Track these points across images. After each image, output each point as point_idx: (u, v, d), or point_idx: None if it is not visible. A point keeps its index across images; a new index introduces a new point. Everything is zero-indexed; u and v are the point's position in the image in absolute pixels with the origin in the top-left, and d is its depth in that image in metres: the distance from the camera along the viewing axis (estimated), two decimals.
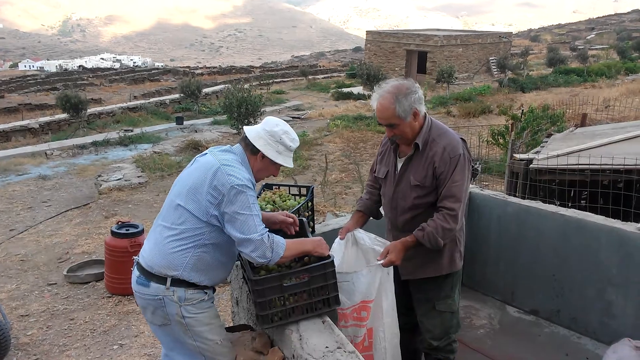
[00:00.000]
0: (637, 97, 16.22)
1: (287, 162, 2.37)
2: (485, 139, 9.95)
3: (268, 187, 3.29)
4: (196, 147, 13.69)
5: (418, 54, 31.57)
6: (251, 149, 2.36)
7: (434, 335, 2.69)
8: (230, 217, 2.20)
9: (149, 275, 2.31)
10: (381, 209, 2.87)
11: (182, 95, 22.92)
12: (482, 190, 4.08)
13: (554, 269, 3.52)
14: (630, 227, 3.20)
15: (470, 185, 4.18)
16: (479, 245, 3.93)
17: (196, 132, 17.10)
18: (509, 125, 8.49)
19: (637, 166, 4.11)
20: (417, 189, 2.52)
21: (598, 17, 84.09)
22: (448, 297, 2.68)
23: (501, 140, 9.94)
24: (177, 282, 2.28)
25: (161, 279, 2.28)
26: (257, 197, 2.97)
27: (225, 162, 2.26)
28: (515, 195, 4.81)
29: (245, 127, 2.49)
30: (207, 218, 2.24)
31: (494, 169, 9.02)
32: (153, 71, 43.27)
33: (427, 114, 2.58)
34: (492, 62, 33.88)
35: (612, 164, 4.23)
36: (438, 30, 42.10)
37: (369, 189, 2.90)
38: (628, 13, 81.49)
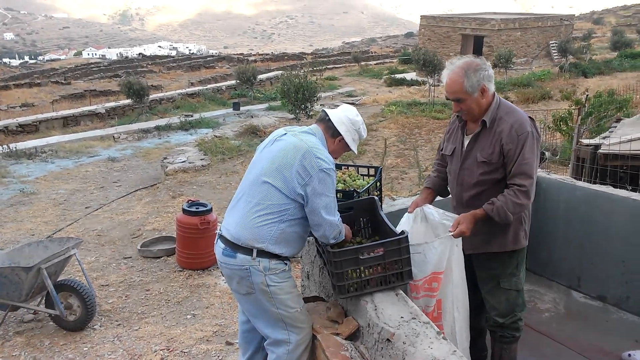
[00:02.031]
0: None
1: (355, 149, 2.68)
2: (547, 125, 9.69)
3: (337, 167, 3.43)
4: (254, 132, 14.04)
5: (474, 39, 30.71)
6: (332, 132, 2.55)
7: (499, 312, 2.73)
8: (316, 197, 2.40)
9: (235, 247, 2.50)
10: (448, 187, 2.93)
11: (237, 81, 23.46)
12: (549, 174, 4.06)
13: (624, 255, 3.48)
14: None
15: (538, 169, 4.18)
16: (545, 230, 3.92)
17: (252, 117, 17.51)
18: (574, 110, 8.24)
19: None
20: (484, 165, 2.58)
21: None
22: (513, 275, 2.72)
23: (564, 127, 9.65)
24: (262, 254, 2.47)
25: (248, 250, 2.47)
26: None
27: (313, 145, 2.47)
28: (581, 181, 4.74)
29: (328, 110, 2.65)
30: (294, 196, 2.44)
31: (559, 156, 8.80)
32: (208, 58, 44.33)
33: (495, 93, 2.63)
34: (552, 47, 32.53)
35: None
36: (495, 13, 40.69)
37: (436, 167, 2.98)
38: None
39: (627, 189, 3.81)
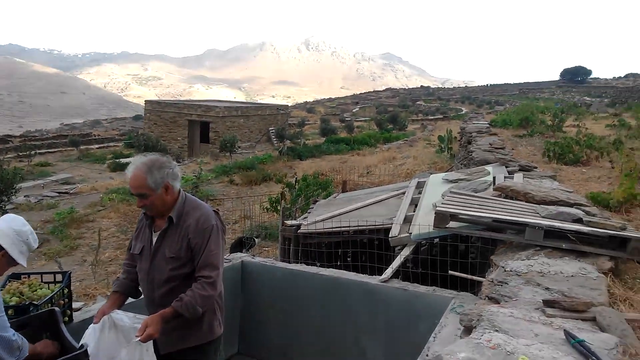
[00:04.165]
0: (391, 164, 19.06)
1: (24, 262, 2.39)
2: (265, 206, 10.50)
3: (15, 277, 2.95)
4: None
5: (200, 124, 32.11)
6: None
7: None
8: None
9: None
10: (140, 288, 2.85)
11: None
12: (253, 258, 4.29)
13: (320, 325, 3.86)
14: (374, 280, 3.73)
15: (243, 254, 4.38)
16: (252, 311, 4.09)
17: None
18: (280, 193, 9.16)
19: (376, 226, 4.83)
20: (173, 261, 2.61)
21: (361, 93, 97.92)
22: None
23: (279, 207, 10.61)
24: None
25: None
26: (1, 290, 2.67)
27: None
28: (288, 260, 5.17)
29: None
30: None
31: (275, 235, 9.52)
32: None
33: (181, 190, 2.72)
34: (271, 132, 36.33)
35: (356, 226, 4.89)
36: (219, 101, 43.69)
37: (126, 268, 2.89)
38: (383, 91, 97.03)
39: (317, 266, 4.28)
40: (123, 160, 26.17)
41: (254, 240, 7.01)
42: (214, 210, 2.75)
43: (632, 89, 36.76)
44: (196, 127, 32.27)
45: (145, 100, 36.59)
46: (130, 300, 2.88)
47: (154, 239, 2.68)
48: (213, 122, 31.41)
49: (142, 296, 2.80)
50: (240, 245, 6.47)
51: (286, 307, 3.99)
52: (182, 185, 2.76)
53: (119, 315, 2.57)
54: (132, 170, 2.59)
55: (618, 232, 3.38)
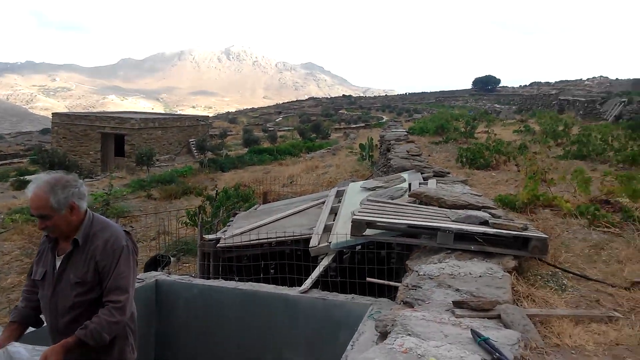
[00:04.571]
0: (314, 173, 19.19)
1: None
2: (184, 220, 10.17)
3: None
4: None
5: (115, 137, 30.66)
6: None
7: None
8: None
9: None
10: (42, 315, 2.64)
11: None
12: (168, 276, 4.13)
13: (239, 340, 3.78)
14: (294, 291, 3.71)
15: (158, 273, 4.20)
16: (169, 332, 3.93)
17: None
18: (198, 207, 8.95)
19: (295, 237, 4.82)
20: (78, 287, 2.46)
21: (284, 103, 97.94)
22: None
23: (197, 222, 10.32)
24: None
25: None
26: None
27: None
28: (208, 277, 5.01)
29: None
30: None
31: (195, 251, 9.24)
32: None
33: (88, 210, 2.56)
34: (192, 144, 35.43)
35: (274, 237, 4.86)
36: (135, 112, 42.02)
37: (25, 295, 2.67)
38: (306, 100, 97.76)
39: (235, 280, 4.19)
40: (28, 178, 24.38)
41: (169, 257, 6.74)
42: (124, 231, 2.61)
43: (536, 97, 39.70)
44: (110, 140, 30.78)
45: (52, 113, 34.40)
46: (31, 329, 2.66)
47: (57, 263, 2.50)
48: (128, 135, 30.11)
49: (45, 325, 2.59)
50: (155, 264, 6.20)
51: (205, 325, 3.87)
52: (92, 203, 2.60)
53: (16, 347, 2.36)
54: (32, 190, 2.41)
55: (520, 233, 3.60)
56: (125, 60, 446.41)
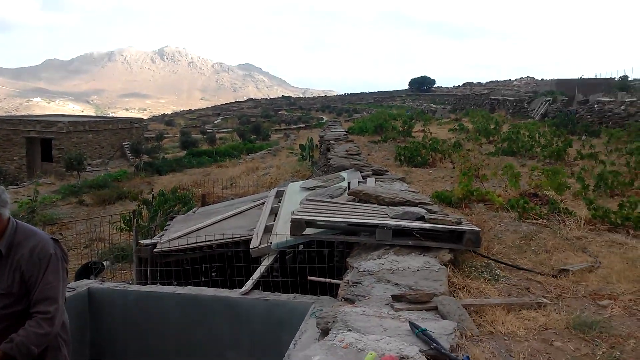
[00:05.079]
0: (254, 174, 19.01)
1: None
2: (119, 226, 9.78)
3: None
4: None
5: (41, 142, 29.03)
6: None
7: None
8: None
9: None
10: None
11: None
12: (102, 284, 3.95)
13: (182, 346, 3.67)
14: (235, 293, 3.65)
15: (90, 281, 4.00)
16: (106, 340, 3.75)
17: None
18: (133, 211, 8.65)
19: (234, 238, 4.75)
20: (4, 298, 2.32)
21: (222, 104, 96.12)
22: None
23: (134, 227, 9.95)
24: None
25: None
26: None
27: None
28: (145, 283, 4.83)
29: None
30: None
31: (131, 257, 8.90)
32: None
33: (11, 218, 2.41)
34: (126, 147, 34.15)
35: (212, 240, 4.77)
36: (63, 116, 40.00)
37: None
38: (245, 101, 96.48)
39: (174, 285, 4.07)
40: None
41: (102, 264, 6.45)
42: (52, 238, 2.48)
43: (469, 97, 41.31)
44: (36, 145, 29.12)
45: None
46: None
47: None
48: (56, 139, 28.61)
49: None
50: (87, 272, 5.92)
51: (143, 332, 3.72)
52: (17, 211, 2.44)
53: None
54: None
55: (455, 227, 3.72)
56: (51, 60, 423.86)
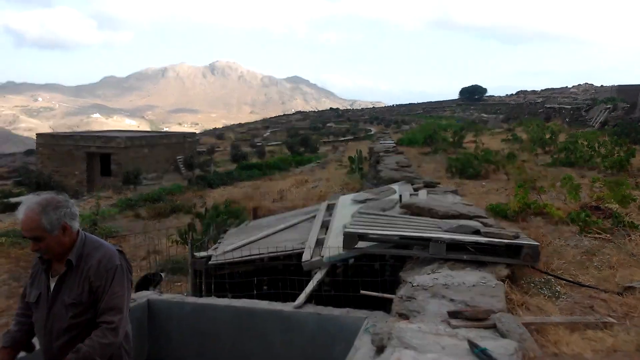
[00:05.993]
0: (304, 187, 19.14)
1: None
2: (174, 239, 10.07)
3: None
4: None
5: (100, 157, 30.44)
6: None
7: None
8: None
9: None
10: (35, 340, 2.58)
11: None
12: (160, 295, 4.07)
13: (233, 357, 3.72)
14: (288, 306, 3.67)
15: (149, 292, 4.14)
16: (163, 351, 3.86)
17: None
18: (188, 224, 8.89)
19: (287, 251, 4.79)
20: (73, 308, 2.41)
21: (271, 117, 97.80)
22: None
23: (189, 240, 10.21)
24: None
25: None
26: None
27: None
28: (200, 295, 4.95)
29: None
30: None
31: (186, 270, 9.13)
32: None
33: (80, 230, 2.53)
34: (179, 161, 35.27)
35: (266, 253, 4.82)
36: (121, 131, 41.80)
37: (18, 319, 2.61)
38: (293, 114, 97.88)
39: (228, 297, 4.14)
40: (13, 200, 24.06)
41: (160, 275, 6.65)
42: (117, 250, 2.58)
43: (522, 106, 40.22)
44: (96, 160, 30.54)
45: (37, 134, 34.13)
46: (23, 354, 2.60)
47: (52, 285, 2.46)
48: (115, 154, 29.91)
49: (38, 349, 2.53)
50: (146, 283, 6.12)
51: (198, 344, 3.80)
52: (80, 224, 2.56)
53: None
54: (23, 211, 2.37)
55: (512, 241, 3.60)
56: (108, 78, 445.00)
